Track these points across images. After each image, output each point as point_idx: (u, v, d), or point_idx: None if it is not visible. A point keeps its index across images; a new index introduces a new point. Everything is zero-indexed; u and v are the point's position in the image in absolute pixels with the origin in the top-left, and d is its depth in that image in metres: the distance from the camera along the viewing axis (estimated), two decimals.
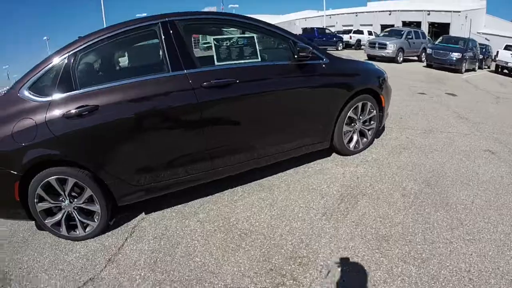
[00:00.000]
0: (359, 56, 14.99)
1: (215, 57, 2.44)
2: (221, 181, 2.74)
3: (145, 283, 1.89)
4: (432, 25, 28.77)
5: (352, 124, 3.37)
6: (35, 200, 2.15)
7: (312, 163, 3.42)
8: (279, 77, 2.69)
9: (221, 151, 2.52)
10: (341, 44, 21.14)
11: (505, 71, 13.19)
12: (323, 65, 2.93)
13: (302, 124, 2.96)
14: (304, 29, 21.71)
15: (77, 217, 2.28)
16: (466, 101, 6.33)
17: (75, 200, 2.25)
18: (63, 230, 2.28)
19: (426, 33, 16.24)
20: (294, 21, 39.98)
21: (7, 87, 2.86)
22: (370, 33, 21.73)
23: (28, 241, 2.42)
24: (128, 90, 2.21)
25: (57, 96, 2.13)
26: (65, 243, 2.32)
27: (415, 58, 14.25)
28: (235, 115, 2.52)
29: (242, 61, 2.54)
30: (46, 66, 2.21)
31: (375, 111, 3.42)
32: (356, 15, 33.52)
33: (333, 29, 26.91)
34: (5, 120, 2.08)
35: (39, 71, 2.20)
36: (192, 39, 2.89)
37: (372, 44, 13.27)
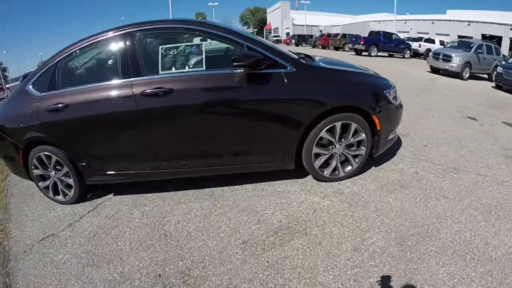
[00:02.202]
0: (417, 67, 13.10)
1: (159, 66, 2.40)
2: (183, 181, 2.86)
3: (79, 248, 2.27)
4: None
5: (330, 147, 2.61)
6: (32, 167, 2.79)
7: (278, 182, 2.87)
8: (223, 87, 2.39)
9: (164, 155, 2.55)
10: (408, 52, 18.69)
11: None
12: (283, 75, 2.38)
13: (247, 140, 2.54)
14: (370, 32, 19.75)
15: (60, 186, 2.84)
16: None
17: (58, 172, 2.76)
18: (50, 193, 2.89)
19: (507, 50, 13.29)
20: (368, 22, 37.67)
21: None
22: (442, 43, 18.80)
23: (34, 195, 3.17)
24: (88, 93, 2.47)
25: (45, 93, 2.60)
26: (53, 204, 2.94)
27: (485, 76, 11.61)
28: (173, 123, 2.45)
29: (185, 70, 2.43)
30: (45, 67, 2.69)
31: (364, 135, 2.58)
32: (433, 23, 29.59)
33: (407, 35, 24.26)
34: (17, 106, 2.74)
35: (40, 70, 2.71)
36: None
37: (436, 55, 11.10)
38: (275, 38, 47.62)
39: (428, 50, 18.19)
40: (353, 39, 19.02)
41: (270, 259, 1.95)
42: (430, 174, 2.94)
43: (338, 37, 23.91)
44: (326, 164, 2.75)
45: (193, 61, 2.45)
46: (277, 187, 2.84)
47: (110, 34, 2.51)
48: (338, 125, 2.53)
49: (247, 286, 1.78)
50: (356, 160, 2.77)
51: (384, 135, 2.72)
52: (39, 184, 2.87)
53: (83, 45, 2.60)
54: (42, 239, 2.44)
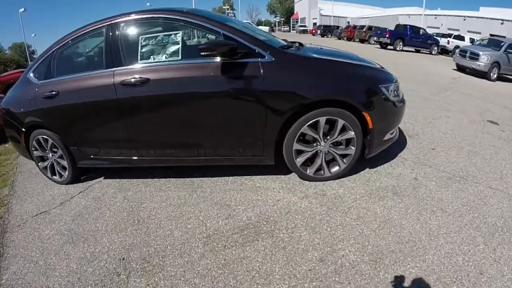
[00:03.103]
0: (443, 64, 12.14)
1: (138, 56, 2.34)
2: (169, 168, 2.85)
3: (64, 226, 2.37)
4: None
5: (314, 144, 2.29)
6: (32, 149, 2.96)
7: (260, 176, 2.68)
8: (197, 77, 2.24)
9: (144, 143, 2.53)
10: (436, 48, 17.34)
11: None
12: (260, 65, 2.17)
13: (223, 132, 2.37)
14: (397, 26, 18.46)
15: (56, 167, 2.96)
16: None
17: (55, 154, 2.89)
18: (48, 173, 3.04)
19: None
20: (397, 16, 35.72)
21: None
22: (472, 41, 17.35)
23: (38, 174, 3.30)
24: (76, 81, 2.53)
25: (43, 81, 2.73)
26: (51, 183, 3.09)
27: None
28: (150, 113, 2.39)
29: (161, 60, 2.33)
30: (43, 56, 2.81)
31: (353, 133, 2.24)
32: (464, 19, 27.34)
33: (437, 31, 22.70)
34: (20, 92, 2.88)
35: (40, 59, 2.83)
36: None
37: (462, 53, 10.02)
38: (301, 28, 46.29)
39: (457, 47, 16.91)
40: (379, 32, 17.90)
41: (228, 258, 1.84)
42: (431, 182, 2.56)
43: (364, 29, 22.64)
44: (311, 162, 2.46)
45: (170, 50, 2.34)
46: (257, 182, 2.62)
47: (97, 25, 2.53)
48: (322, 120, 2.23)
49: (198, 281, 1.70)
50: (345, 160, 2.44)
51: (378, 135, 2.36)
52: (39, 164, 3.04)
53: (75, 36, 2.66)
54: (36, 215, 2.59)
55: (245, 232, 2.02)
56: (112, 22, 2.44)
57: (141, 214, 2.35)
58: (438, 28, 27.28)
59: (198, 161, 2.51)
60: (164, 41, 2.34)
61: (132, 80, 2.28)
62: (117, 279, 1.77)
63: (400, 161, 2.91)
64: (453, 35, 19.08)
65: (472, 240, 1.90)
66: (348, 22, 41.10)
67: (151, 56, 2.34)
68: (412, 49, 17.55)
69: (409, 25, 17.54)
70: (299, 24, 54.80)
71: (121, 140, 2.53)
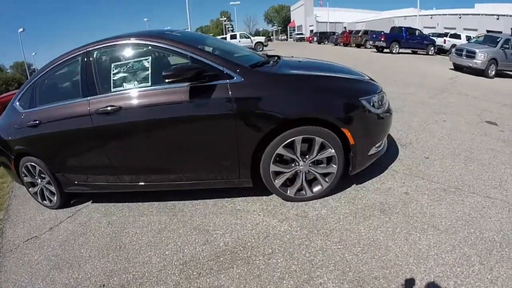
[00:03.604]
0: (440, 65, 11.97)
1: (111, 83, 2.33)
2: (151, 193, 2.79)
3: (51, 251, 2.40)
4: None
5: (293, 164, 2.17)
6: (22, 175, 2.99)
7: (241, 198, 2.60)
8: (166, 103, 2.17)
9: (121, 169, 2.51)
10: (432, 48, 17.16)
11: None
12: (229, 87, 2.09)
13: (198, 157, 2.31)
14: (392, 28, 18.40)
15: (45, 193, 2.98)
16: None
17: (43, 180, 2.91)
18: (39, 198, 3.06)
19: None
20: (393, 18, 35.78)
21: None
22: (468, 38, 17.14)
23: (30, 199, 3.30)
24: (55, 110, 2.56)
25: (27, 110, 2.78)
26: (42, 208, 3.13)
27: None
28: (124, 140, 2.39)
29: (132, 87, 2.30)
30: (27, 85, 2.87)
31: (333, 150, 2.11)
32: (460, 17, 27.16)
33: (433, 31, 22.61)
34: (8, 120, 2.92)
35: (24, 88, 2.89)
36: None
37: (458, 51, 9.81)
38: (298, 36, 46.79)
39: (454, 46, 16.80)
40: (374, 35, 17.84)
41: (201, 286, 1.77)
42: (423, 196, 2.39)
43: (359, 34, 22.67)
44: (291, 182, 2.33)
45: (140, 77, 2.31)
46: (238, 205, 2.52)
47: (73, 53, 2.54)
48: (297, 140, 2.12)
49: None
50: (327, 179, 2.30)
51: (362, 150, 2.23)
52: (30, 190, 3.08)
53: (54, 65, 2.68)
54: (27, 240, 2.63)
55: (221, 258, 1.95)
56: (86, 50, 2.45)
57: (123, 239, 2.34)
58: (435, 28, 27.17)
59: (176, 186, 2.46)
60: (134, 68, 2.32)
61: (106, 108, 2.27)
62: None
63: (390, 174, 2.75)
64: (449, 34, 18.91)
65: (466, 260, 1.73)
66: (345, 27, 41.30)
67: (123, 83, 2.32)
68: (409, 51, 17.42)
69: (404, 27, 17.49)
70: (296, 32, 55.33)
71: (101, 166, 2.53)
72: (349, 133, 2.11)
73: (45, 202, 3.05)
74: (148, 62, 2.27)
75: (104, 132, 2.35)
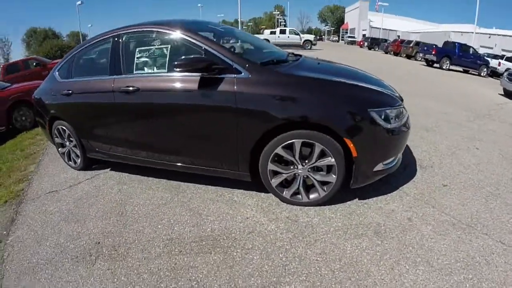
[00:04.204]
0: (490, 88, 10.61)
1: (134, 66, 2.44)
2: (164, 171, 2.71)
3: (65, 206, 2.58)
4: None
5: (291, 167, 2.03)
6: (54, 136, 3.22)
7: (240, 191, 2.58)
8: (178, 90, 2.24)
9: (135, 144, 2.61)
10: (485, 69, 15.18)
11: None
12: (235, 82, 2.05)
13: (201, 144, 2.33)
14: (445, 42, 16.63)
15: (71, 155, 3.20)
16: None
17: (71, 143, 3.11)
18: (66, 158, 3.30)
19: None
20: (449, 33, 32.51)
21: None
22: None
23: (59, 158, 3.53)
24: (86, 84, 2.73)
25: (64, 80, 2.98)
26: (67, 167, 3.36)
27: None
28: (139, 118, 2.49)
29: (152, 71, 2.40)
30: (66, 58, 3.07)
31: (333, 159, 1.92)
32: None
33: (490, 51, 20.20)
34: (48, 86, 3.15)
35: (62, 61, 3.10)
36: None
37: (511, 77, 8.75)
38: (349, 39, 44.66)
39: (508, 70, 14.83)
40: (425, 48, 16.29)
41: (178, 263, 1.81)
42: (428, 226, 2.12)
43: (411, 45, 20.82)
44: (290, 184, 2.19)
45: (159, 62, 2.40)
46: (236, 196, 2.48)
47: (106, 35, 2.69)
48: (297, 143, 1.99)
49: (147, 277, 1.74)
50: (325, 188, 2.12)
51: (366, 165, 2.01)
52: (59, 150, 3.31)
53: (90, 43, 2.89)
54: (48, 193, 2.86)
55: (204, 243, 1.96)
56: (117, 33, 2.60)
57: (126, 207, 2.44)
58: (492, 48, 24.04)
59: (181, 168, 2.48)
60: (155, 54, 2.41)
61: (127, 88, 2.38)
62: (88, 258, 1.92)
63: (399, 195, 2.47)
64: (505, 57, 16.65)
65: None
66: (398, 36, 38.43)
67: (144, 67, 2.42)
68: (460, 69, 15.71)
69: (458, 43, 15.69)
70: (348, 34, 52.75)
71: (118, 139, 2.68)
72: (351, 144, 1.92)
73: (70, 163, 3.27)
74: (167, 49, 2.33)
75: (123, 109, 2.49)
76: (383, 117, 1.99)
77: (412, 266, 1.73)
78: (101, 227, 2.21)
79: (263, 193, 2.46)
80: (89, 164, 3.20)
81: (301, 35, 23.77)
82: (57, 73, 3.09)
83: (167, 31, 2.36)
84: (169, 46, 2.33)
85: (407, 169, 2.94)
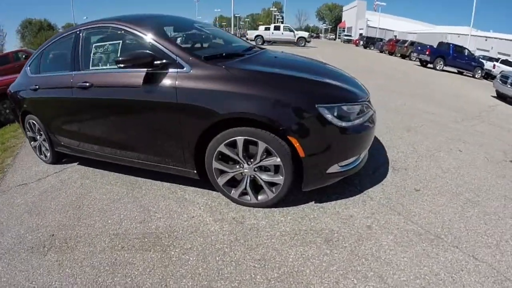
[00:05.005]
0: (483, 90, 10.50)
1: (91, 62, 2.49)
2: (124, 166, 2.68)
3: (31, 198, 2.63)
4: None
5: (237, 166, 1.94)
6: (27, 130, 3.24)
7: (193, 188, 2.47)
8: (125, 86, 2.21)
9: (93, 138, 2.61)
10: (480, 71, 15.09)
11: None
12: (177, 77, 1.98)
13: (149, 141, 2.29)
14: (440, 43, 16.48)
15: (42, 148, 3.20)
16: None
17: (41, 137, 3.13)
18: (37, 152, 3.31)
19: None
20: (446, 34, 32.65)
21: None
22: None
23: (33, 153, 3.50)
24: (52, 79, 2.79)
25: (33, 75, 3.04)
26: (40, 161, 3.38)
27: None
28: (94, 113, 2.52)
29: (104, 67, 2.46)
30: (36, 53, 3.09)
31: (278, 159, 1.67)
32: None
33: (486, 54, 20.24)
34: (21, 81, 3.20)
35: (34, 55, 3.11)
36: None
37: (504, 79, 8.28)
38: (346, 38, 44.73)
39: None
40: (419, 48, 16.17)
41: (118, 259, 1.81)
42: (389, 236, 1.85)
43: (406, 45, 20.70)
44: (239, 183, 1.96)
45: (112, 58, 2.43)
46: (187, 194, 2.39)
47: (70, 31, 2.73)
48: (239, 140, 1.87)
49: (88, 270, 1.75)
50: (273, 190, 1.86)
51: (317, 166, 1.76)
52: (31, 143, 3.34)
53: (56, 39, 2.91)
54: (19, 185, 2.90)
55: (146, 240, 1.94)
56: (78, 29, 2.63)
57: (84, 201, 2.47)
58: (488, 51, 24.10)
59: (135, 163, 2.45)
60: (109, 50, 2.47)
61: (83, 83, 2.41)
62: (41, 249, 1.97)
63: (362, 199, 2.21)
64: (500, 60, 16.61)
65: None
66: (395, 36, 38.48)
67: (99, 63, 2.48)
68: (455, 70, 15.62)
69: (452, 44, 15.56)
70: (345, 33, 52.78)
71: (78, 133, 2.70)
72: (297, 144, 1.72)
73: (42, 156, 3.30)
74: (119, 45, 2.36)
75: (81, 104, 2.52)
76: (336, 113, 1.78)
77: (361, 281, 1.46)
78: (58, 220, 2.26)
79: (215, 192, 2.24)
80: (59, 158, 3.21)
81: (295, 32, 23.48)
82: (28, 68, 3.14)
83: (119, 26, 2.33)
84: (121, 41, 2.36)
85: (377, 171, 2.69)
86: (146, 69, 2.06)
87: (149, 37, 2.15)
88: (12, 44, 58.09)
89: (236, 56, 2.32)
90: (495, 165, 3.33)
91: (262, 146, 1.82)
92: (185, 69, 1.98)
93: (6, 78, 6.36)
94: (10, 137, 4.68)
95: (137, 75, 2.10)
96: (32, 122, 3.11)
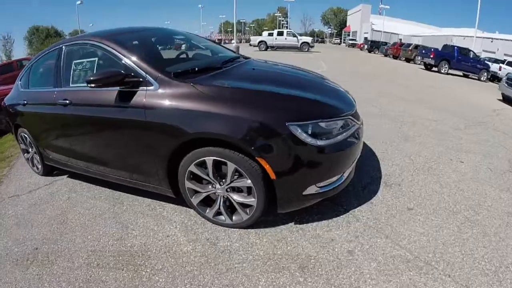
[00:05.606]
0: (488, 93, 10.21)
1: (71, 78, 2.50)
2: (109, 181, 2.67)
3: (20, 211, 2.65)
4: None
5: (209, 186, 1.90)
6: (20, 142, 3.33)
7: (171, 205, 2.43)
8: (99, 104, 2.22)
9: (75, 153, 2.62)
10: (485, 74, 14.60)
11: None
12: (145, 95, 1.96)
13: (123, 157, 2.30)
14: (444, 46, 16.17)
15: (34, 160, 3.25)
16: None
17: (32, 150, 3.18)
18: (30, 164, 3.35)
19: None
20: (451, 36, 32.27)
21: None
22: None
23: (27, 165, 3.53)
24: (36, 94, 2.86)
25: (23, 89, 3.08)
26: (33, 172, 3.41)
27: None
28: (73, 129, 2.56)
29: (82, 85, 2.42)
30: (26, 67, 3.14)
31: (249, 181, 1.62)
32: None
33: (492, 56, 19.83)
34: (13, 94, 3.24)
35: (25, 69, 3.15)
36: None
37: (510, 81, 7.95)
38: (350, 42, 44.72)
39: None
40: (423, 51, 15.90)
41: (93, 276, 1.80)
42: (372, 263, 1.69)
43: (410, 48, 20.41)
44: (214, 202, 1.89)
45: (88, 76, 2.35)
46: (166, 211, 2.35)
47: (54, 47, 2.75)
48: (208, 161, 1.81)
49: (65, 285, 1.76)
50: (247, 211, 1.76)
51: (291, 188, 1.63)
52: (24, 155, 3.39)
53: (43, 54, 2.94)
54: (11, 197, 2.95)
55: (120, 258, 1.93)
56: (59, 46, 2.67)
57: (68, 215, 2.49)
58: (494, 52, 23.54)
59: (116, 180, 2.44)
60: (86, 67, 2.47)
61: (63, 100, 2.44)
62: (25, 262, 2.00)
63: (346, 221, 2.06)
64: (506, 61, 16.19)
65: None
66: (400, 39, 38.17)
67: (78, 80, 2.48)
68: (460, 73, 15.30)
69: (457, 46, 15.24)
70: (349, 37, 52.72)
71: (62, 148, 2.73)
72: (267, 165, 1.62)
73: (34, 168, 3.35)
74: (95, 62, 2.37)
75: (61, 120, 2.56)
76: (310, 131, 1.67)
77: None
78: (42, 234, 2.28)
79: (192, 210, 2.16)
80: (50, 170, 3.24)
81: (299, 37, 23.45)
82: (20, 82, 3.17)
83: (96, 43, 2.31)
84: (96, 59, 2.36)
85: (367, 188, 2.53)
86: (118, 88, 2.03)
87: (120, 54, 2.12)
88: (20, 51, 59.74)
89: (212, 70, 2.25)
90: (499, 176, 3.13)
91: (231, 167, 1.74)
92: (153, 87, 1.94)
93: (8, 87, 6.47)
94: (10, 146, 4.73)
95: (110, 94, 2.09)
96: (24, 135, 3.18)
